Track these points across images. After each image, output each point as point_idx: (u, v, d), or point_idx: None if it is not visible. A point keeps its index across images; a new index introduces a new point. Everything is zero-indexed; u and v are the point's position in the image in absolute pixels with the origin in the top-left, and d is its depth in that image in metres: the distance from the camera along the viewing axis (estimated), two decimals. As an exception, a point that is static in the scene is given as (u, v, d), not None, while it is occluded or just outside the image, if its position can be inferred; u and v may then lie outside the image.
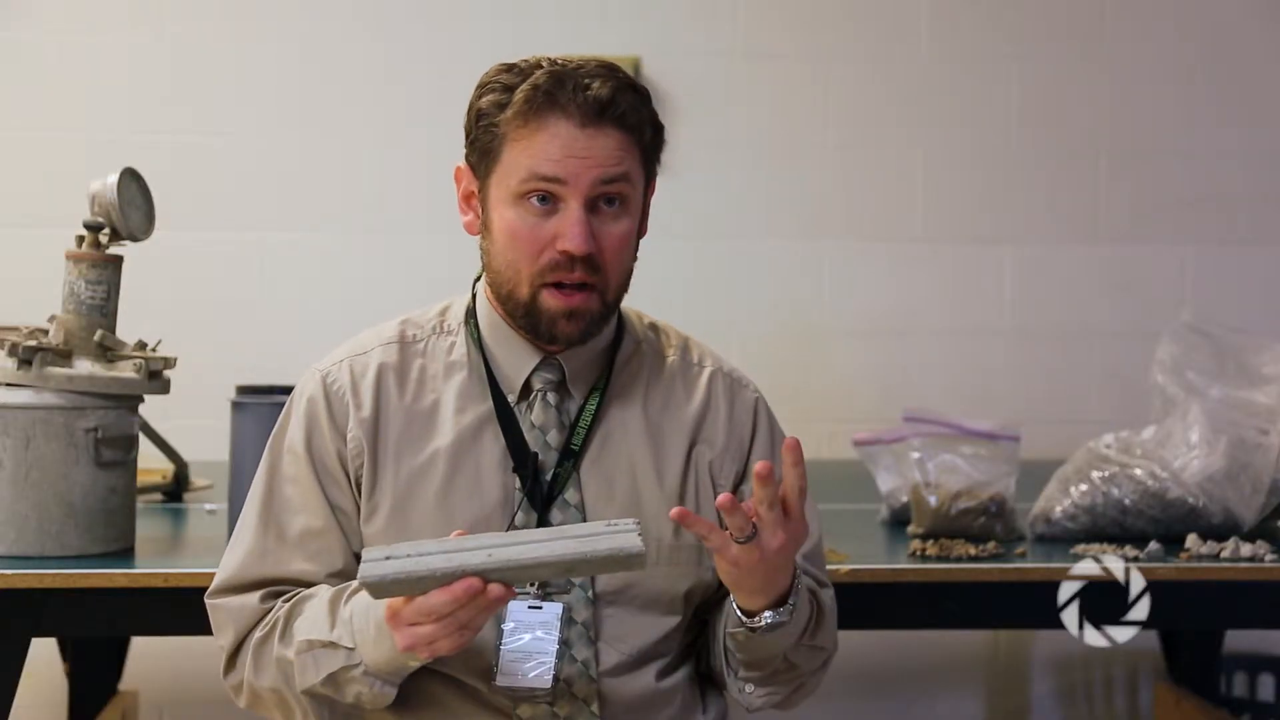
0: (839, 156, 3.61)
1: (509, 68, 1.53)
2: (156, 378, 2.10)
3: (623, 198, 1.52)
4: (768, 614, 1.46)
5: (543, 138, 1.48)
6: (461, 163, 1.58)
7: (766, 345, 3.50)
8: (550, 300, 1.51)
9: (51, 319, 2.10)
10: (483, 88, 1.53)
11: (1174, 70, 3.65)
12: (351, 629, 1.45)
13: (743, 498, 1.62)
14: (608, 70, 1.51)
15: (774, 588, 1.45)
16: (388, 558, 1.33)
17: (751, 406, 1.66)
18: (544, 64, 1.50)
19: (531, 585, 1.53)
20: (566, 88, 1.47)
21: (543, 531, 1.38)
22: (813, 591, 1.55)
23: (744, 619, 1.48)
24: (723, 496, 1.37)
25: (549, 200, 1.49)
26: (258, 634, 1.53)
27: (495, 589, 1.33)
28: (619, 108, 1.49)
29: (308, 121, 3.51)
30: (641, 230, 1.58)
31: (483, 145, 1.52)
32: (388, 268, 3.49)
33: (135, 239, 2.16)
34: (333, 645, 1.46)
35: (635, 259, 1.57)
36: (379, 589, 1.34)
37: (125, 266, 2.14)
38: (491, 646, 1.51)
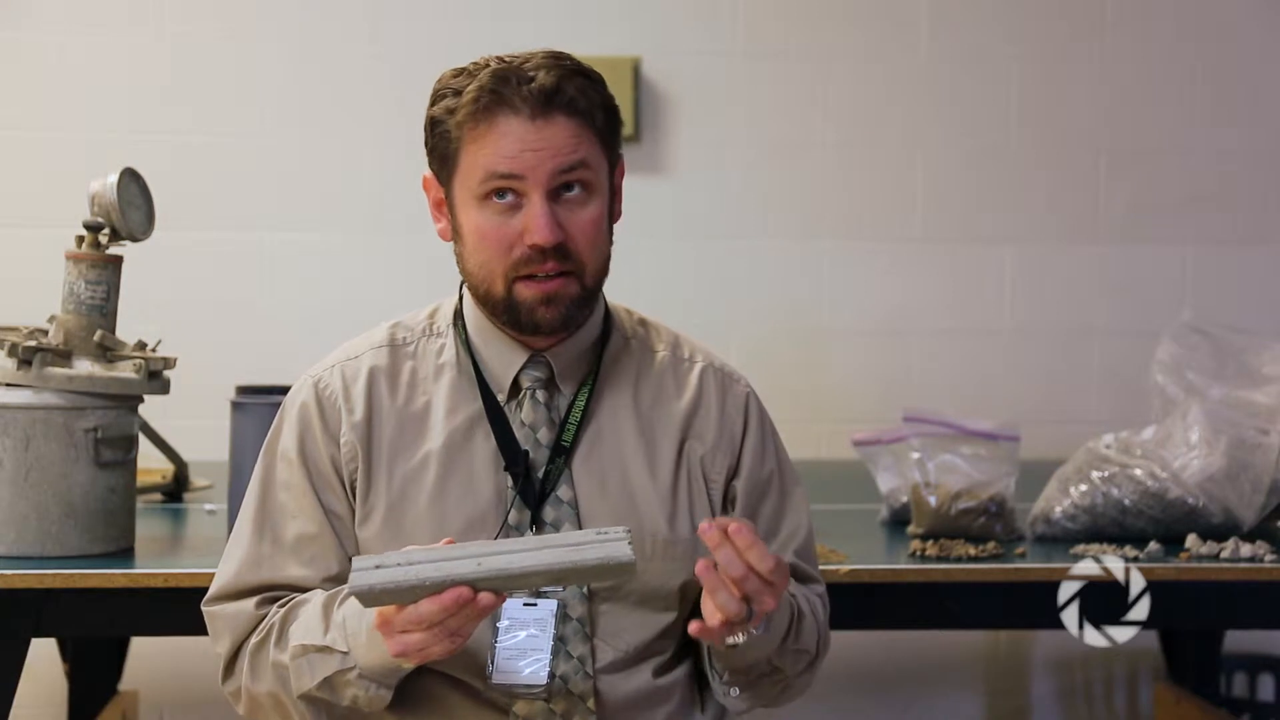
0: (838, 156, 3.61)
1: (458, 72, 1.54)
2: (156, 378, 2.10)
3: (584, 183, 1.52)
4: (740, 634, 1.44)
5: (494, 136, 1.49)
6: (428, 172, 1.59)
7: (766, 345, 3.50)
8: (525, 290, 1.52)
9: (51, 319, 2.10)
10: (434, 95, 1.55)
11: (1174, 70, 3.65)
12: (345, 633, 1.45)
13: (734, 494, 1.62)
14: (553, 59, 1.51)
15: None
16: (377, 566, 1.33)
17: (743, 401, 1.65)
18: (491, 63, 1.51)
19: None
20: (511, 83, 1.48)
21: (533, 540, 1.38)
22: (791, 596, 1.54)
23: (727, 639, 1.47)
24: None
25: (511, 196, 1.50)
26: (253, 639, 1.53)
27: (485, 597, 1.33)
28: (566, 94, 1.49)
29: (308, 121, 3.51)
30: (615, 214, 1.58)
31: (441, 152, 1.54)
32: (388, 268, 3.49)
33: (135, 239, 2.16)
34: (327, 650, 1.46)
35: (611, 243, 1.58)
36: (368, 598, 1.34)
37: (125, 266, 2.14)
38: (487, 644, 1.51)
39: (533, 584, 1.39)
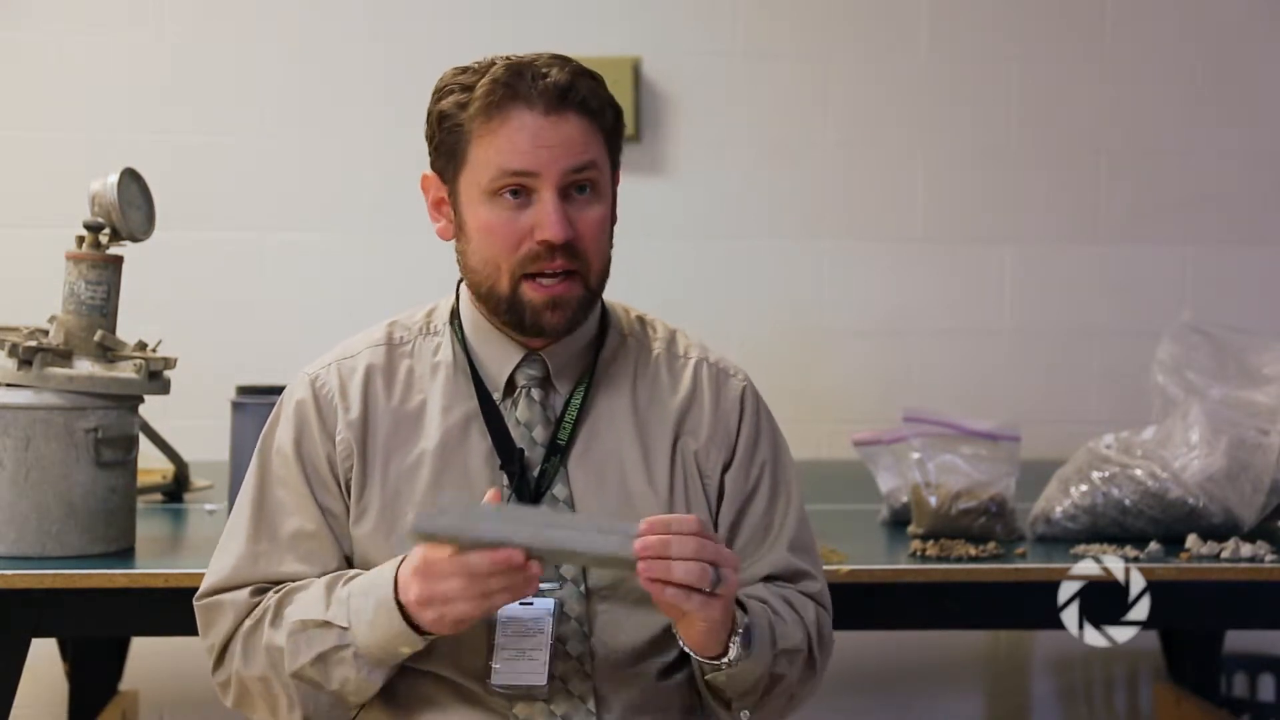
0: (839, 156, 3.61)
1: (463, 70, 1.54)
2: (156, 378, 2.10)
3: (593, 184, 1.53)
4: (733, 647, 1.46)
5: (508, 131, 1.49)
6: (428, 171, 1.59)
7: (766, 345, 3.49)
8: (531, 292, 1.52)
9: (51, 319, 2.10)
10: (439, 92, 1.55)
11: (1174, 70, 3.65)
12: (348, 609, 1.45)
13: (723, 489, 1.62)
14: (561, 59, 1.53)
15: (729, 618, 1.45)
16: (441, 513, 1.36)
17: (738, 395, 1.65)
18: (498, 61, 1.52)
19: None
20: (525, 78, 1.49)
21: (585, 521, 1.42)
22: (762, 601, 1.55)
23: (719, 662, 1.47)
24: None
25: (522, 193, 1.50)
26: (247, 624, 1.53)
27: (533, 567, 1.35)
28: (579, 93, 1.50)
29: (308, 121, 3.51)
30: (613, 218, 1.59)
31: (448, 147, 1.54)
32: (388, 268, 3.49)
33: (135, 239, 2.16)
34: (327, 624, 1.46)
35: (612, 246, 1.58)
36: (429, 537, 1.35)
37: (125, 266, 2.14)
38: (485, 646, 1.51)
39: (577, 562, 1.46)
